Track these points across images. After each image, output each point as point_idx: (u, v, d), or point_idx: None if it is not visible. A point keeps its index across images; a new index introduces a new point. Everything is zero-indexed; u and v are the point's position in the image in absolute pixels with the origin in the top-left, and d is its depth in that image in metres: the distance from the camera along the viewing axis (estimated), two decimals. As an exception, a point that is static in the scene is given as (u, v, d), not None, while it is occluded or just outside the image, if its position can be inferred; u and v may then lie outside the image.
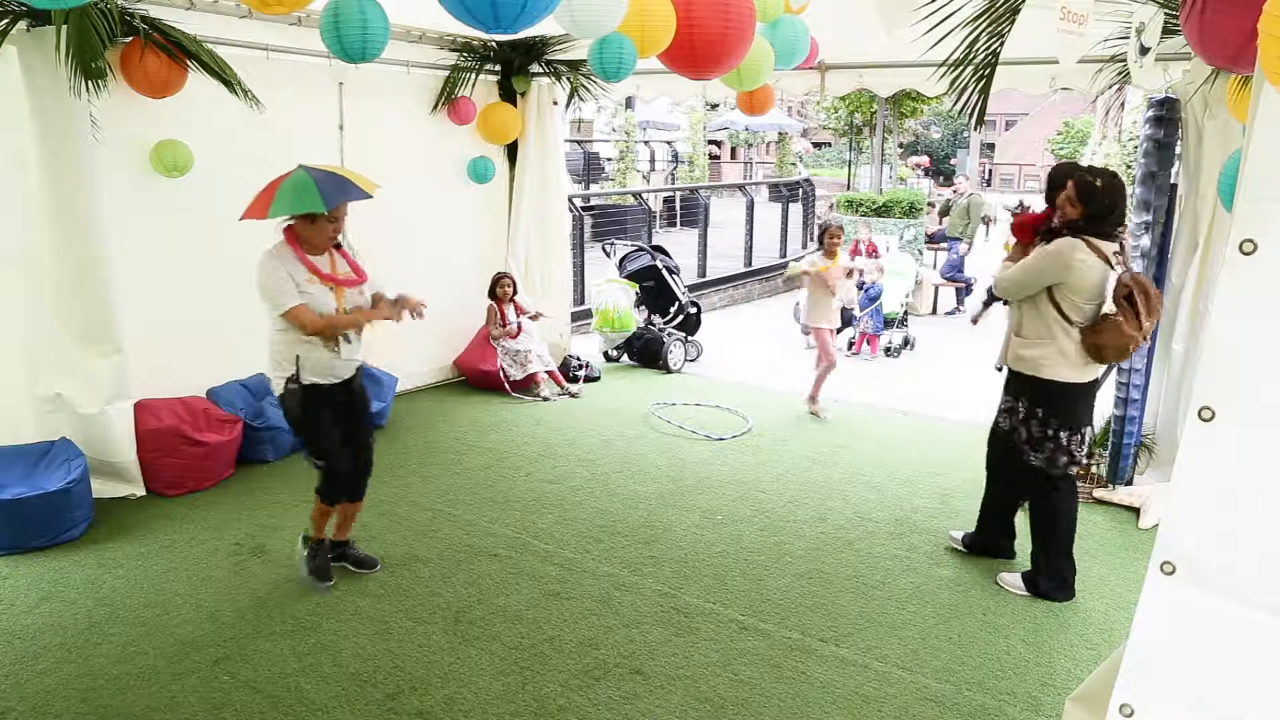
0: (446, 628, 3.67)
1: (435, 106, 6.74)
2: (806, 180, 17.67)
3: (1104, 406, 4.80)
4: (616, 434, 6.24)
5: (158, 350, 5.09)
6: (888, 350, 9.23)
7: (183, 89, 4.83)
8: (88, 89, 4.43)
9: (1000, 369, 4.10)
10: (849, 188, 28.05)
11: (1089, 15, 3.25)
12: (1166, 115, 4.82)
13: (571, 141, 21.57)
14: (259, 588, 3.97)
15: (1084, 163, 18.01)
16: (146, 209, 5.05)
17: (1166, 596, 1.73)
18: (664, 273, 8.47)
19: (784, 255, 14.60)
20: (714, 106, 24.25)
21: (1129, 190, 4.19)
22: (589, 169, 20.16)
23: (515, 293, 7.12)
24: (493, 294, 7.06)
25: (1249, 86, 2.57)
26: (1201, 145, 4.85)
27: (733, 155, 37.36)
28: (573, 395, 7.14)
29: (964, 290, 11.86)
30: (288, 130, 5.57)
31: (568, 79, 7.18)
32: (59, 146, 4.44)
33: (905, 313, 9.56)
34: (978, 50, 3.58)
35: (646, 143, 24.59)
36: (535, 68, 7.09)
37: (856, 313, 9.15)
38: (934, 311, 11.83)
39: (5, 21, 4.17)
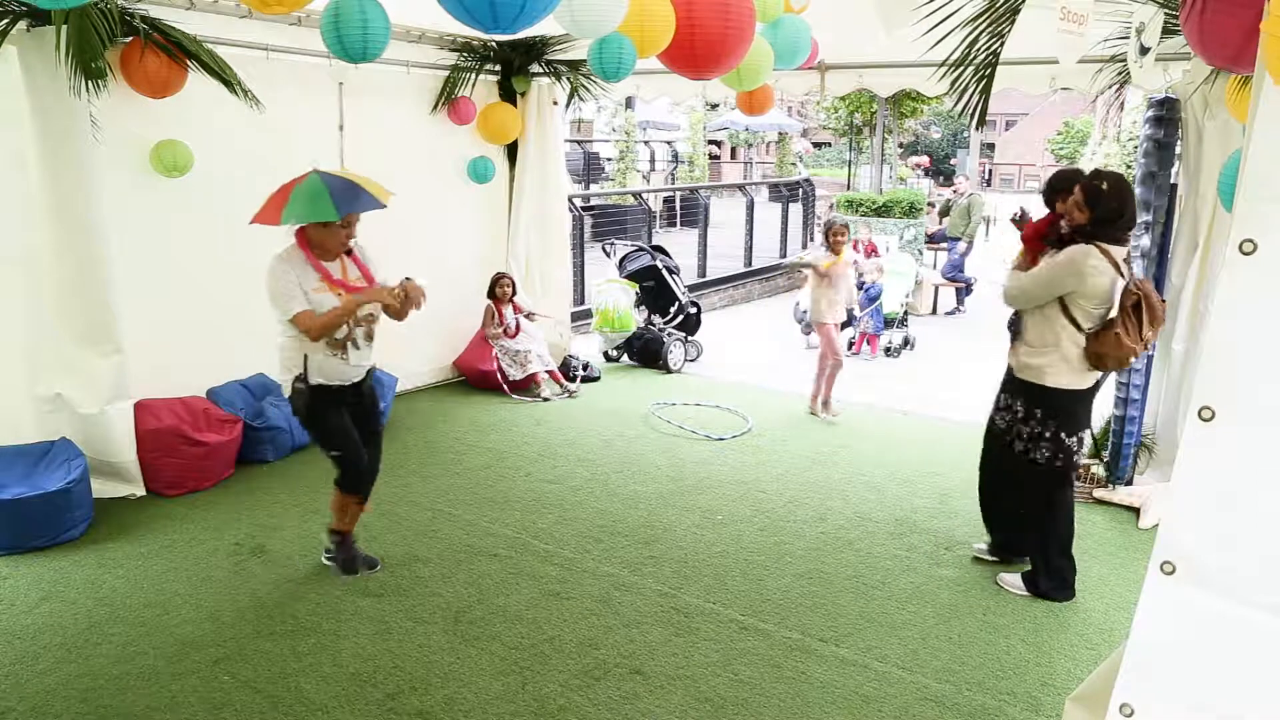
0: (446, 628, 3.67)
1: (435, 106, 6.74)
2: (806, 180, 17.64)
3: (1104, 406, 4.80)
4: (616, 434, 6.24)
5: (158, 350, 5.09)
6: (888, 350, 9.24)
7: (183, 89, 4.84)
8: (88, 89, 4.43)
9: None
10: (849, 188, 27.99)
11: (1089, 15, 3.25)
12: (1166, 115, 4.82)
13: (571, 141, 21.55)
14: (259, 588, 3.98)
15: (1084, 163, 18.06)
16: (146, 209, 5.05)
17: (1166, 596, 1.73)
18: (664, 273, 8.46)
19: (784, 255, 14.59)
20: (714, 106, 24.22)
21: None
22: (589, 169, 20.15)
23: (514, 293, 7.12)
24: (491, 294, 7.06)
25: (1249, 86, 2.57)
26: (1201, 145, 4.85)
27: (733, 155, 37.33)
28: (572, 395, 7.15)
29: (964, 290, 11.85)
30: (288, 130, 5.57)
31: (568, 79, 7.18)
32: (59, 146, 4.44)
33: (905, 313, 9.57)
34: (978, 50, 3.57)
35: (646, 143, 24.58)
36: (535, 68, 7.09)
37: (857, 312, 9.14)
38: (934, 311, 11.83)
39: (5, 21, 4.17)
